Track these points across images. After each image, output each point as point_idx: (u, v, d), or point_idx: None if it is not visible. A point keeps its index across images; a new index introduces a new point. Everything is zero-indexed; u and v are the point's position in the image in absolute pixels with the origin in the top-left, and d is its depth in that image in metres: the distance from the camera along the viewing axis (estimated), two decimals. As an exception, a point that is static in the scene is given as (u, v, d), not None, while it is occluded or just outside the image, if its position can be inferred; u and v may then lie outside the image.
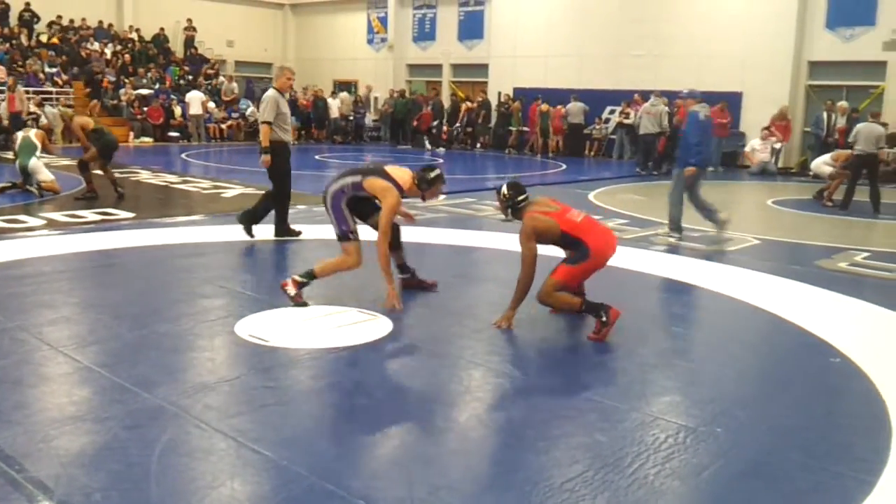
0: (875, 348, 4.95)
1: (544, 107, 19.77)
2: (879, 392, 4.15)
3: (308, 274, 5.47)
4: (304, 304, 5.42)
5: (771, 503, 3.03)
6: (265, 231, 8.14)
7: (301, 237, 8.06)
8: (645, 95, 17.53)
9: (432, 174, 5.45)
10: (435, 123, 22.09)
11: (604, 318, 4.85)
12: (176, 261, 6.96)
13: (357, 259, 5.45)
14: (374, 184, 5.30)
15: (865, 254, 8.06)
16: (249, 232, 7.85)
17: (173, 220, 9.05)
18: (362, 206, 5.53)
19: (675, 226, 8.60)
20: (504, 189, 5.14)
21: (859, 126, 11.69)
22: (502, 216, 5.31)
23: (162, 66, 23.64)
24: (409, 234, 7.90)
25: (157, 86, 22.14)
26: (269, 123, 7.60)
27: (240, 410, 3.73)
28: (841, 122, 15.90)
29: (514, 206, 5.10)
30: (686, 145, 8.41)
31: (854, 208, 11.31)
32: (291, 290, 5.40)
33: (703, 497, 3.12)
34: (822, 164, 12.51)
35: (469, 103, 22.05)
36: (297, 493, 2.97)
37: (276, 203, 8.06)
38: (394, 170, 5.46)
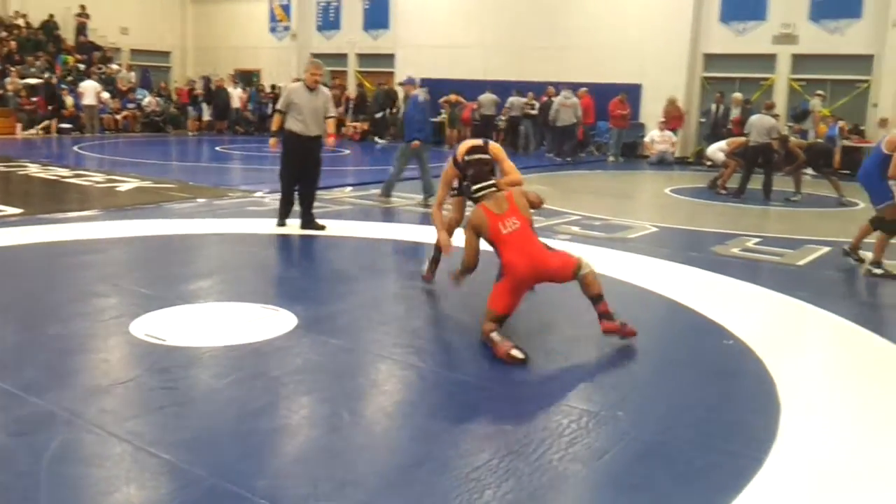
0: (766, 330, 5.18)
1: (454, 97, 19.83)
2: (770, 372, 4.34)
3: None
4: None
5: (668, 483, 3.13)
6: (168, 226, 7.88)
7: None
8: (557, 88, 17.92)
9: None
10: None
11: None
12: (68, 258, 6.65)
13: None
14: None
15: (757, 239, 8.42)
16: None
17: (65, 215, 8.64)
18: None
19: (388, 189, 10.19)
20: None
21: (752, 118, 12.20)
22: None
23: (52, 55, 22.55)
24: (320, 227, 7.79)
25: (46, 75, 21.11)
26: (280, 112, 7.96)
27: (136, 413, 3.60)
28: (735, 112, 16.55)
29: (470, 192, 5.01)
30: (410, 123, 10.16)
31: (747, 196, 11.80)
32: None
33: (604, 480, 3.19)
34: (717, 150, 13.01)
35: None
36: (197, 495, 2.89)
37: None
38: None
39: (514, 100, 19.49)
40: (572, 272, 4.72)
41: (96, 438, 3.30)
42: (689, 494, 3.04)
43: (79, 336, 4.66)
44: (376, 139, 20.98)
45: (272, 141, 8.39)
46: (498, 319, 4.61)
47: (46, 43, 23.07)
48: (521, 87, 19.53)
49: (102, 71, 22.65)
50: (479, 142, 5.53)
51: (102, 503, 2.81)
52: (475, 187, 4.96)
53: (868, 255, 7.05)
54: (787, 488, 3.07)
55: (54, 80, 20.58)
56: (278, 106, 8.05)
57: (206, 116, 22.49)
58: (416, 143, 9.95)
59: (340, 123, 21.77)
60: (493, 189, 4.92)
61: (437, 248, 5.84)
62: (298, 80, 8.08)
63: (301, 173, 7.96)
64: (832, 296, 6.28)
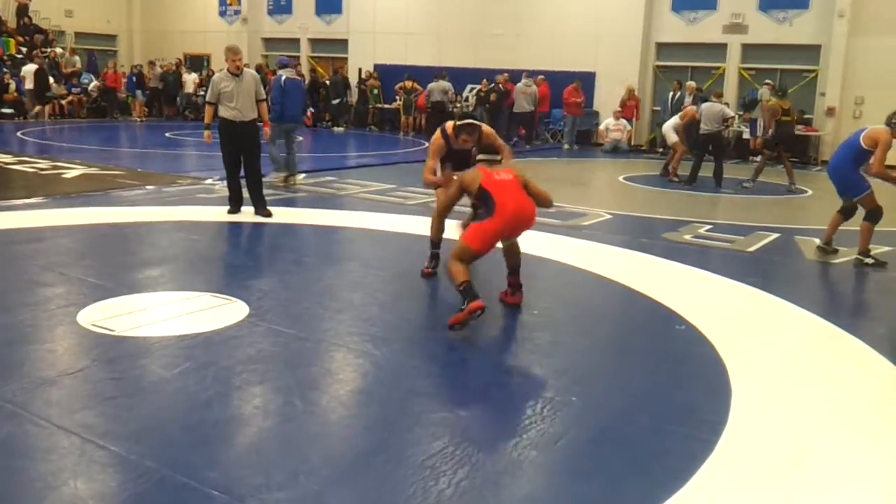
0: (717, 315, 5.25)
1: (409, 84, 19.72)
2: (721, 356, 4.41)
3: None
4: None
5: (622, 467, 3.16)
6: (116, 214, 7.70)
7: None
8: (514, 76, 17.98)
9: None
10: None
11: (462, 306, 4.77)
12: (12, 247, 6.46)
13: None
14: None
15: (708, 226, 8.54)
16: None
17: (8, 203, 8.38)
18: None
19: (279, 166, 10.27)
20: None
21: (703, 106, 12.33)
22: None
23: (-7, 37, 21.83)
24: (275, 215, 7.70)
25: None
26: (211, 104, 7.95)
27: (84, 405, 3.51)
28: (688, 100, 16.71)
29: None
30: (274, 104, 10.07)
31: (698, 184, 11.96)
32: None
33: (559, 465, 3.20)
34: (671, 128, 12.99)
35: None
36: (147, 487, 2.83)
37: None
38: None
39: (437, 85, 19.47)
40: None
41: (43, 431, 3.22)
42: (643, 478, 3.07)
43: (24, 326, 4.53)
44: (334, 127, 20.78)
45: (206, 134, 8.32)
46: (468, 257, 4.79)
47: (-13, 25, 22.33)
48: (477, 75, 19.49)
49: (46, 54, 21.99)
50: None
51: (49, 497, 2.74)
52: (482, 155, 5.20)
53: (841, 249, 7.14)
54: (738, 471, 3.12)
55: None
56: (208, 98, 8.09)
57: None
58: (267, 130, 8.98)
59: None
60: (497, 161, 5.20)
61: (434, 243, 5.89)
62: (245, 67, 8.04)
63: (241, 159, 7.93)
64: (782, 282, 6.40)
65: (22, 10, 23.41)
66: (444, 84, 19.53)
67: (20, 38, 22.48)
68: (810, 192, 11.86)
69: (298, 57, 23.48)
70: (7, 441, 3.12)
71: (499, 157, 5.24)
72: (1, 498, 2.72)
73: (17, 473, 2.90)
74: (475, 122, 5.69)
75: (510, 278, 5.24)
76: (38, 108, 19.14)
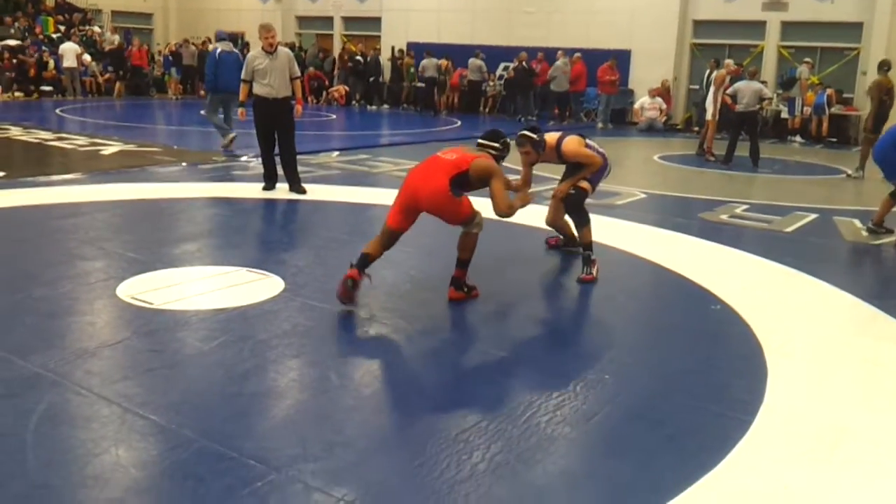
0: (753, 295, 5.19)
1: (444, 63, 19.65)
2: (756, 336, 4.37)
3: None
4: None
5: (656, 444, 3.15)
6: (153, 190, 7.80)
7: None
8: (548, 54, 17.97)
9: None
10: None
11: (465, 288, 4.82)
12: (52, 222, 6.58)
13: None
14: None
15: (745, 206, 8.43)
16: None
17: (48, 178, 8.54)
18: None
19: (223, 131, 10.89)
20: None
21: (738, 84, 12.12)
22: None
23: (31, 16, 22.12)
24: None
25: (26, 36, 20.72)
26: (246, 81, 8.02)
27: (124, 375, 3.57)
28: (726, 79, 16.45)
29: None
30: (206, 75, 10.96)
31: (735, 163, 11.79)
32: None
33: (592, 441, 3.21)
34: (710, 103, 12.71)
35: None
36: (185, 456, 2.88)
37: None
38: None
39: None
40: (461, 221, 4.69)
41: (84, 400, 3.29)
42: (678, 456, 3.06)
43: (65, 299, 4.62)
44: (368, 105, 20.81)
45: (241, 111, 8.47)
46: (383, 229, 4.68)
47: (25, 4, 22.60)
48: (510, 53, 19.35)
49: (84, 33, 22.25)
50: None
51: (91, 464, 2.80)
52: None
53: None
54: (773, 451, 3.09)
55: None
56: (243, 76, 8.11)
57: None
58: (202, 93, 11.11)
59: (323, 86, 21.55)
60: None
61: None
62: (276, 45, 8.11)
63: (275, 136, 7.97)
64: (819, 262, 6.30)
65: (60, -11, 23.71)
66: (480, 62, 19.45)
67: (58, 17, 22.76)
68: (849, 171, 11.62)
69: (332, 35, 23.51)
70: (50, 409, 3.20)
71: (493, 149, 4.82)
72: (45, 463, 2.79)
73: (60, 440, 2.97)
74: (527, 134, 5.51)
75: (455, 270, 4.83)
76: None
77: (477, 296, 4.84)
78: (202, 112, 9.43)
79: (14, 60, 19.33)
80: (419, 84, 19.75)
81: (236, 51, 11.38)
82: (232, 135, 10.79)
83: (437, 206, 4.58)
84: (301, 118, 9.01)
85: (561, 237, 6.17)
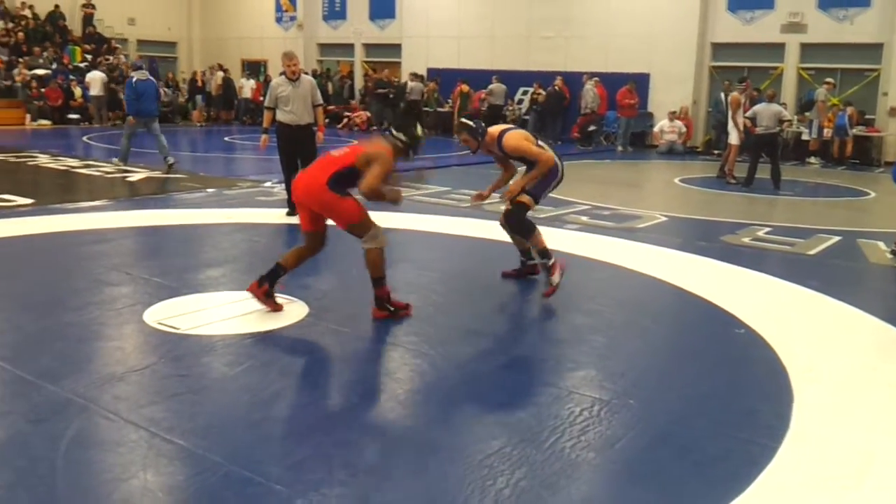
0: (777, 319, 5.17)
1: (465, 88, 19.79)
2: (781, 361, 4.34)
3: None
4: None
5: (681, 471, 3.14)
6: (179, 216, 7.90)
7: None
8: (567, 78, 18.34)
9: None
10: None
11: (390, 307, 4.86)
12: (79, 248, 6.68)
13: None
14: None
15: (767, 229, 8.39)
16: None
17: (75, 205, 8.68)
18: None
19: (123, 157, 11.83)
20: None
21: (758, 107, 12.10)
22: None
23: (59, 46, 22.56)
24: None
25: (54, 66, 21.13)
26: (269, 108, 8.13)
27: (151, 400, 3.62)
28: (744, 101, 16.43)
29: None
30: (127, 102, 11.95)
31: (756, 185, 11.75)
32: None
33: (617, 467, 3.20)
34: (731, 127, 12.65)
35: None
36: (212, 481, 2.91)
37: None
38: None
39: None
40: (349, 224, 4.75)
41: (112, 425, 3.33)
42: (703, 483, 3.05)
43: (93, 324, 4.69)
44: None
45: (263, 138, 8.40)
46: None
47: (53, 34, 23.07)
48: (529, 77, 19.45)
49: (110, 62, 22.64)
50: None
51: (120, 489, 2.83)
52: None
53: None
54: (800, 477, 3.07)
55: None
56: (266, 103, 8.23)
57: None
58: (130, 119, 11.62)
59: (345, 111, 21.74)
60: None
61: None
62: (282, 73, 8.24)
63: (298, 163, 8.05)
64: (843, 285, 6.26)
65: (87, 20, 24.15)
66: (503, 87, 19.56)
67: (86, 47, 23.19)
68: (873, 194, 11.55)
69: (353, 62, 23.75)
70: (79, 434, 3.24)
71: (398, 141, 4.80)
72: (75, 487, 2.83)
73: (89, 464, 3.01)
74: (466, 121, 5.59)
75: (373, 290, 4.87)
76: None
77: (408, 315, 4.88)
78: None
79: (42, 90, 19.69)
80: (483, 112, 19.84)
81: (152, 78, 12.46)
82: (171, 161, 11.42)
83: (313, 200, 4.68)
84: (322, 144, 9.11)
85: (515, 270, 5.92)
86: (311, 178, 4.71)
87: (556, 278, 5.28)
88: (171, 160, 11.42)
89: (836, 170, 15.44)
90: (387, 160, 4.64)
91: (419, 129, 4.91)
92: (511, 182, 5.73)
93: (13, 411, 3.44)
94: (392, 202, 4.78)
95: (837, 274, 6.65)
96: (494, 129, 5.56)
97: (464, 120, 5.52)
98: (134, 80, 11.60)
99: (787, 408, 3.71)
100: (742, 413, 3.70)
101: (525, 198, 5.46)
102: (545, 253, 5.38)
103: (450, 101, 20.35)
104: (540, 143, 5.60)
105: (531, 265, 5.82)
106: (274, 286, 4.90)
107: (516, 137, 5.49)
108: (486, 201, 5.82)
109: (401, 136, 4.82)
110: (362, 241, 4.77)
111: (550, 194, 5.87)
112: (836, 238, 7.92)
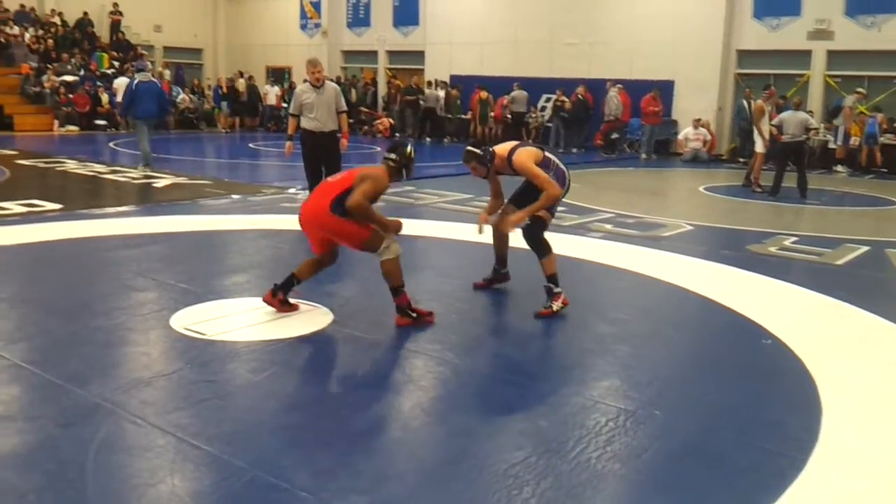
0: (805, 330, 5.12)
1: (484, 94, 19.81)
2: (809, 371, 4.29)
3: None
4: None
5: (708, 481, 3.11)
6: (204, 222, 7.96)
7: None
8: (590, 85, 18.35)
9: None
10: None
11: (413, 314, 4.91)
12: (107, 253, 6.76)
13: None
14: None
15: (794, 238, 8.31)
16: None
17: (103, 211, 8.78)
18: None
19: (146, 161, 12.06)
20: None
21: (784, 115, 12.00)
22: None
23: (87, 52, 22.87)
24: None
25: (81, 72, 21.42)
26: (294, 115, 8.24)
27: (178, 405, 3.65)
28: (769, 108, 16.28)
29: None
30: (123, 103, 12.46)
31: (782, 194, 11.65)
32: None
33: (643, 478, 3.17)
34: (757, 135, 12.52)
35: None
36: (238, 487, 2.92)
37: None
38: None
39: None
40: (362, 243, 4.81)
41: (140, 430, 3.36)
42: (730, 495, 3.02)
43: (120, 329, 4.73)
44: (427, 138, 21.08)
45: (287, 145, 8.45)
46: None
47: (82, 41, 23.39)
48: (551, 84, 19.43)
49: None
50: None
51: (147, 494, 2.86)
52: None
53: None
54: (829, 491, 3.04)
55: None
56: (290, 110, 8.35)
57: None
58: (119, 119, 12.17)
59: (371, 119, 21.85)
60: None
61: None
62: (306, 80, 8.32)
63: (322, 169, 8.10)
64: (871, 296, 6.18)
65: (115, 27, 24.47)
66: (525, 94, 19.56)
67: (113, 53, 23.49)
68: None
69: (376, 69, 23.85)
70: (107, 438, 3.27)
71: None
72: (104, 492, 2.86)
73: (118, 469, 3.04)
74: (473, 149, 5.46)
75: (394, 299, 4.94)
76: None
77: (431, 322, 4.92)
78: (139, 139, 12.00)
79: (70, 96, 19.96)
80: (507, 119, 19.87)
81: (155, 80, 12.57)
82: (145, 170, 11.82)
83: (320, 225, 4.80)
84: (346, 151, 9.16)
85: (485, 279, 5.88)
86: (313, 205, 4.85)
87: (556, 306, 5.19)
88: (145, 169, 11.83)
89: (864, 178, 15.27)
90: (378, 178, 4.78)
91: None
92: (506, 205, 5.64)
93: (43, 415, 3.48)
94: (384, 229, 4.84)
95: (865, 284, 6.57)
96: (503, 149, 5.44)
97: (470, 148, 5.42)
98: (135, 81, 11.78)
99: (815, 420, 3.67)
100: (770, 424, 3.66)
101: (542, 213, 5.37)
102: (554, 279, 5.29)
103: (470, 109, 20.37)
104: (548, 154, 5.50)
105: (503, 273, 5.83)
106: (287, 295, 4.99)
107: (525, 157, 5.36)
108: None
109: (392, 155, 4.92)
110: (377, 254, 4.80)
111: (571, 201, 5.83)
112: (864, 248, 7.83)
